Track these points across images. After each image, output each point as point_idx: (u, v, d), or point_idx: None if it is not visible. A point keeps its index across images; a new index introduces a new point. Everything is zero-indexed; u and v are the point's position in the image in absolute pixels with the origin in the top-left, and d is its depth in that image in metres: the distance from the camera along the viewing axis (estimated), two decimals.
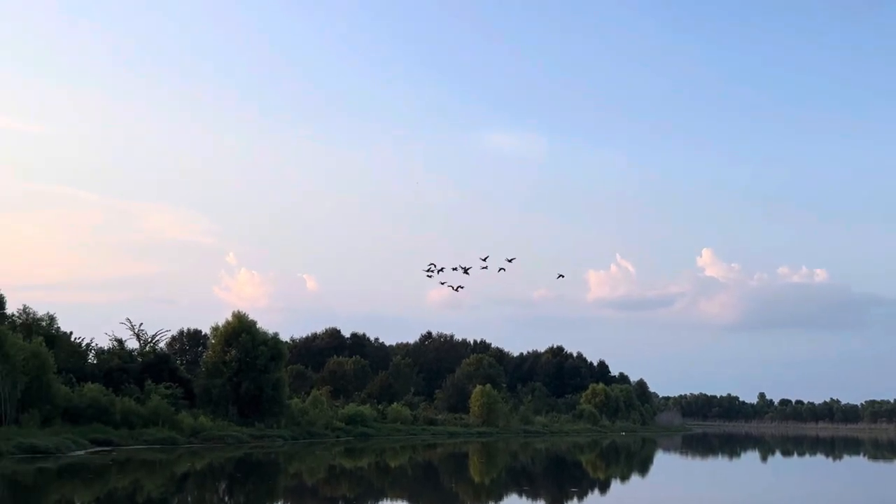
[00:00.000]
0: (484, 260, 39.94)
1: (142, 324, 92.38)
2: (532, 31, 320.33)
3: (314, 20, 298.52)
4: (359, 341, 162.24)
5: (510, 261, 40.90)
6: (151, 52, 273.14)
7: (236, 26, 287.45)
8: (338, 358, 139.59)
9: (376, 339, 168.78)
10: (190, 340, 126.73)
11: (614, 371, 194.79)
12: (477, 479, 50.16)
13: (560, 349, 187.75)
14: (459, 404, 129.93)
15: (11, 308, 75.55)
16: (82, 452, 56.83)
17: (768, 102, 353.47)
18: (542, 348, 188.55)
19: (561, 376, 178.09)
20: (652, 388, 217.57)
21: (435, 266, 40.36)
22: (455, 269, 40.99)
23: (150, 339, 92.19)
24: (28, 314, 76.27)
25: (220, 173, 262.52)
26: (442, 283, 40.02)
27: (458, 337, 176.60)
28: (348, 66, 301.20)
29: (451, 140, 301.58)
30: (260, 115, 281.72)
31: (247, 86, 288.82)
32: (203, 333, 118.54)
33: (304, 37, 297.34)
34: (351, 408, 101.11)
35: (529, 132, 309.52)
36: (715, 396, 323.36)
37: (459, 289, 42.29)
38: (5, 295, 75.10)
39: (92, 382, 71.29)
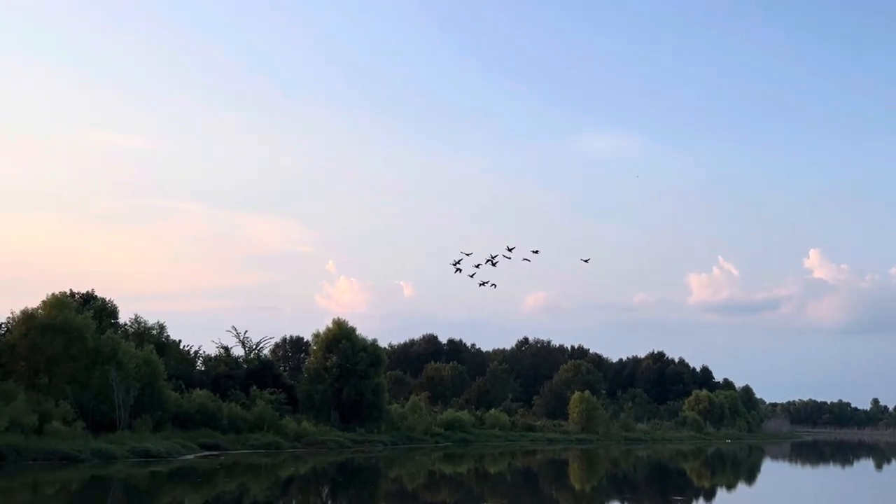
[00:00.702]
0: (510, 250, 39.11)
1: (247, 331, 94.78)
2: (624, 33, 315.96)
3: (404, 26, 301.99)
4: (455, 347, 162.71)
5: (535, 252, 40.00)
6: (251, 66, 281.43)
7: (332, 37, 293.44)
8: (435, 364, 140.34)
9: (473, 345, 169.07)
10: (292, 347, 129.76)
11: (718, 377, 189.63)
12: (577, 486, 49.60)
13: (661, 355, 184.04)
14: (558, 411, 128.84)
15: (124, 318, 78.85)
16: (192, 456, 58.78)
17: (871, 100, 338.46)
18: (642, 354, 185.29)
19: (662, 382, 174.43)
20: (758, 395, 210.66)
21: (466, 255, 39.55)
22: (478, 265, 40.08)
23: (254, 347, 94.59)
24: (139, 323, 79.37)
25: (320, 184, 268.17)
26: (471, 276, 39.35)
27: (556, 342, 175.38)
28: (442, 71, 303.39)
29: (545, 143, 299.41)
30: (356, 124, 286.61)
31: (343, 96, 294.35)
32: (305, 340, 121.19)
33: (397, 45, 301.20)
34: (449, 413, 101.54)
35: (624, 134, 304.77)
36: (825, 403, 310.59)
37: (492, 286, 41.36)
38: (118, 305, 78.63)
39: (200, 389, 73.67)
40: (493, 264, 39.12)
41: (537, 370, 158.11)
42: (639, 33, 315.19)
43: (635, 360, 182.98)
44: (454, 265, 39.33)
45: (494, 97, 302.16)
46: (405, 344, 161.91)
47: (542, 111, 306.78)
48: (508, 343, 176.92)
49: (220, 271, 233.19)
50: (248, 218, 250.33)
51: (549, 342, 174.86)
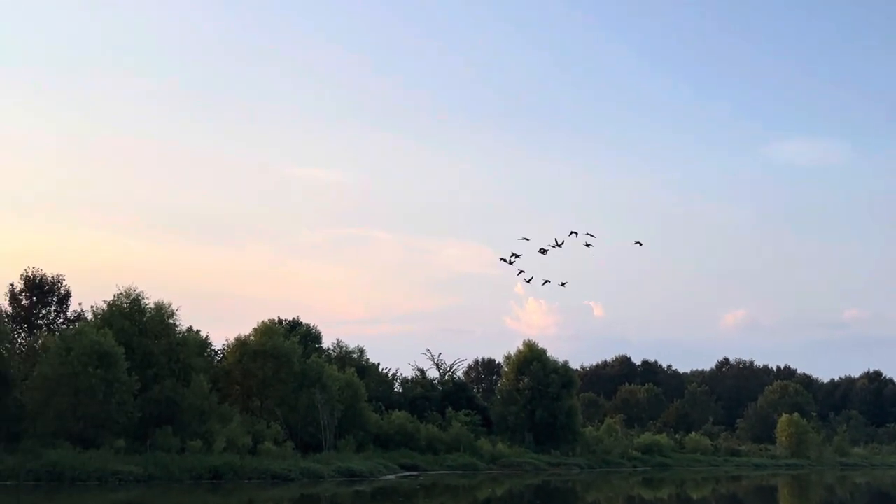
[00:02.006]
0: (572, 234, 36.41)
1: (440, 354, 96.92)
2: (826, 28, 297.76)
3: (580, 39, 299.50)
4: (650, 368, 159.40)
5: (591, 237, 37.09)
6: (434, 93, 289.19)
7: (512, 58, 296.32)
8: (629, 385, 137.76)
9: (669, 367, 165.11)
10: (485, 369, 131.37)
11: None
12: None
13: (878, 374, 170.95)
14: (764, 434, 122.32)
15: (327, 343, 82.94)
16: (392, 476, 60.54)
17: None
18: (856, 373, 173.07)
19: (880, 404, 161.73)
20: None
21: (524, 239, 37.19)
22: (513, 258, 37.49)
23: (448, 369, 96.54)
24: (341, 348, 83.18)
25: (505, 207, 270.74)
26: (520, 273, 37.13)
27: (759, 363, 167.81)
28: (623, 81, 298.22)
29: (736, 153, 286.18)
30: (539, 148, 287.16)
31: (523, 122, 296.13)
32: (496, 362, 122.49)
33: (575, 59, 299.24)
34: (646, 437, 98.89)
35: (825, 140, 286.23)
36: None
37: (548, 283, 38.88)
38: (321, 331, 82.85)
39: (399, 410, 75.95)
40: (544, 252, 37.26)
41: (739, 392, 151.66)
42: (843, 28, 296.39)
43: (848, 381, 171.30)
44: (504, 260, 37.67)
45: (679, 103, 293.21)
46: (597, 365, 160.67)
47: (730, 117, 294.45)
48: (707, 364, 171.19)
49: (413, 296, 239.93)
50: (439, 243, 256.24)
51: (751, 362, 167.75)
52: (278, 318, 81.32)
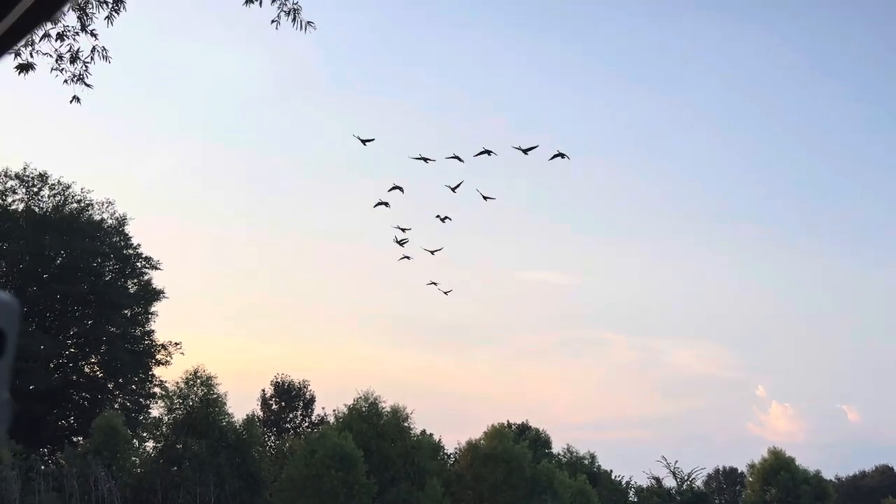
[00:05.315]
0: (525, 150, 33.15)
1: (677, 461, 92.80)
2: None
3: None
4: None
5: (528, 150, 34.14)
6: (666, 199, 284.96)
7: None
8: (893, 499, 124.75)
9: None
10: (726, 478, 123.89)
11: None
12: None
13: None
14: None
15: (556, 448, 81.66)
16: None
17: None
18: None
19: None
20: None
21: (402, 230, 34.51)
22: (405, 233, 34.28)
23: (686, 478, 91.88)
24: (571, 453, 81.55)
25: (741, 305, 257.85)
26: (403, 257, 33.84)
27: None
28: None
29: None
30: (775, 247, 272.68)
31: (751, 222, 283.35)
32: (739, 471, 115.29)
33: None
34: None
35: None
36: None
37: (434, 285, 35.94)
38: (550, 435, 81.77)
39: None
40: (489, 153, 35.87)
41: None
42: None
43: None
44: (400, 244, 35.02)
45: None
46: (854, 476, 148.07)
47: None
48: None
49: (646, 399, 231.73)
50: (670, 343, 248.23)
51: None
52: (507, 421, 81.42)
